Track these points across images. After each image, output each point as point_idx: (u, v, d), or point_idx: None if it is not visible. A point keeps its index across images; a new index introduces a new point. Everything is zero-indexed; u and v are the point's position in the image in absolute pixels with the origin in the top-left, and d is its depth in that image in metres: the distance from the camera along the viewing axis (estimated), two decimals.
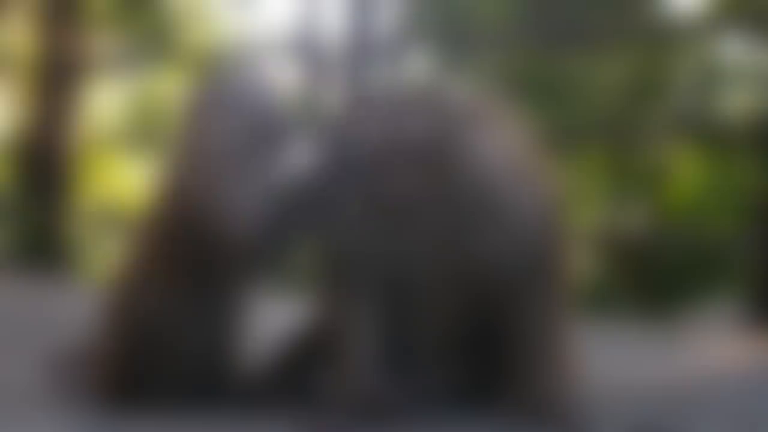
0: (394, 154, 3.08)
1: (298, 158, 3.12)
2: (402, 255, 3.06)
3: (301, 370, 3.19)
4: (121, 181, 8.09)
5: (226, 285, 3.14)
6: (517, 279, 3.08)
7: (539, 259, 3.09)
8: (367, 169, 3.08)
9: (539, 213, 3.10)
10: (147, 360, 3.11)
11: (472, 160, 3.07)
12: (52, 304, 4.97)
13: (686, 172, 7.63)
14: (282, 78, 3.23)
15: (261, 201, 3.07)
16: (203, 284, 3.11)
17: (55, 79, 7.96)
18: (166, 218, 3.12)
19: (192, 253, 3.09)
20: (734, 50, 7.70)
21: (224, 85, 3.16)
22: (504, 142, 3.13)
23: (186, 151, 3.14)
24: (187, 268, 3.10)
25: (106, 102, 8.20)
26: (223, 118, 3.12)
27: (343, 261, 3.08)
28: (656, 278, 7.37)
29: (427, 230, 3.05)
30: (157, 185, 3.19)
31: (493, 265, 3.06)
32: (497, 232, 3.06)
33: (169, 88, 7.97)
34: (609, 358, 3.95)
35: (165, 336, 3.10)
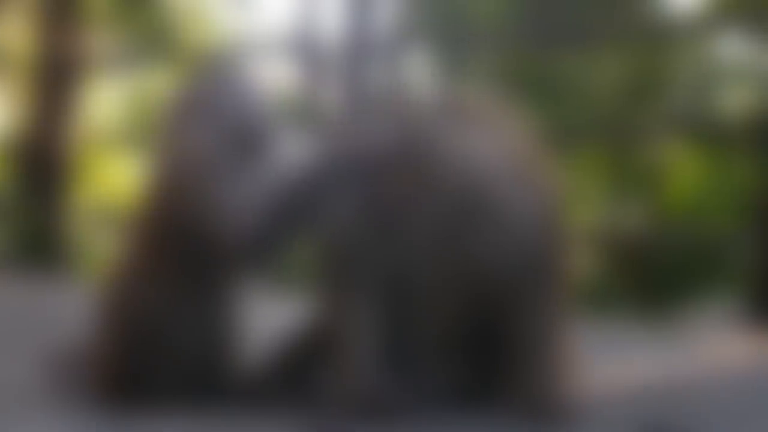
0: (390, 155, 3.08)
1: (293, 157, 3.12)
2: (401, 255, 3.06)
3: (301, 370, 3.19)
4: (119, 180, 8.09)
5: (222, 283, 3.14)
6: (517, 278, 3.08)
7: (538, 258, 3.09)
8: (362, 170, 3.08)
9: (538, 212, 3.10)
10: (145, 359, 3.11)
11: (470, 160, 3.07)
12: (51, 303, 4.97)
13: (685, 171, 7.63)
14: (274, 77, 3.23)
15: (251, 200, 3.07)
16: (199, 283, 3.11)
17: (54, 79, 7.96)
18: (159, 217, 3.12)
19: (186, 252, 3.09)
20: (732, 49, 7.71)
21: (212, 84, 3.16)
22: (502, 142, 3.13)
23: (173, 151, 3.14)
24: (183, 267, 3.10)
25: (105, 101, 8.20)
26: (210, 118, 3.12)
27: (342, 261, 3.07)
28: (655, 277, 7.37)
29: (426, 230, 3.05)
30: (149, 184, 3.19)
31: (493, 264, 3.06)
32: (496, 232, 3.06)
33: (167, 88, 7.96)
34: (608, 357, 3.96)
35: (162, 335, 3.10)
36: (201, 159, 3.10)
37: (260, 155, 3.12)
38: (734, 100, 7.60)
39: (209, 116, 3.12)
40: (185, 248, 3.09)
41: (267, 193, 3.08)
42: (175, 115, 3.18)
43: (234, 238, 3.04)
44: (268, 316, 3.43)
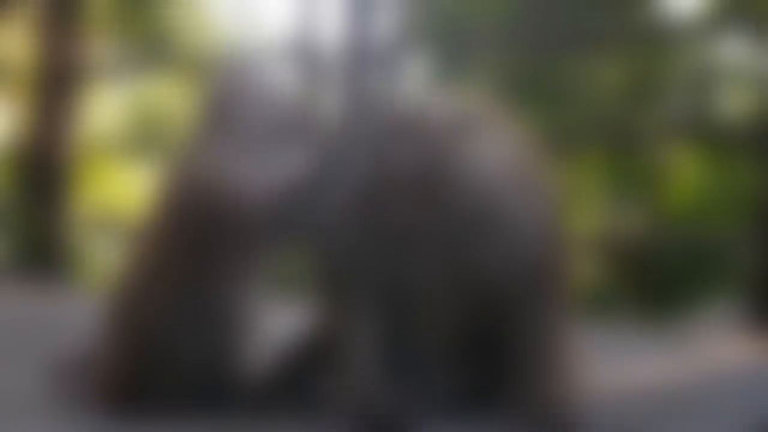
0: (391, 162, 3.08)
1: (295, 163, 3.12)
2: (403, 262, 3.06)
3: (303, 377, 3.19)
4: (120, 188, 8.09)
5: (228, 291, 3.14)
6: (519, 284, 3.08)
7: (541, 264, 3.09)
8: (363, 177, 3.08)
9: (539, 218, 3.10)
10: (149, 367, 3.11)
11: (473, 166, 3.06)
12: (52, 311, 4.96)
13: (686, 174, 7.62)
14: (277, 83, 3.25)
15: (268, 196, 3.08)
16: (205, 290, 3.11)
17: (54, 86, 7.96)
18: (170, 222, 3.12)
19: (194, 258, 3.09)
20: (733, 51, 7.70)
21: (239, 85, 3.18)
22: (502, 149, 3.12)
23: (199, 147, 3.15)
24: (190, 274, 3.10)
25: (105, 108, 8.19)
26: (239, 116, 3.14)
27: (343, 268, 3.07)
28: (657, 280, 7.36)
29: (428, 237, 3.05)
30: (160, 190, 3.19)
31: (495, 271, 3.06)
32: (498, 239, 3.05)
33: (168, 95, 7.97)
34: (610, 361, 3.95)
35: (167, 342, 3.10)
36: (230, 154, 3.10)
37: (276, 156, 3.13)
38: (735, 103, 7.60)
39: (238, 116, 3.14)
40: (193, 253, 3.09)
41: (275, 194, 3.09)
42: (205, 112, 3.19)
43: (254, 225, 3.06)
44: (271, 324, 3.43)
